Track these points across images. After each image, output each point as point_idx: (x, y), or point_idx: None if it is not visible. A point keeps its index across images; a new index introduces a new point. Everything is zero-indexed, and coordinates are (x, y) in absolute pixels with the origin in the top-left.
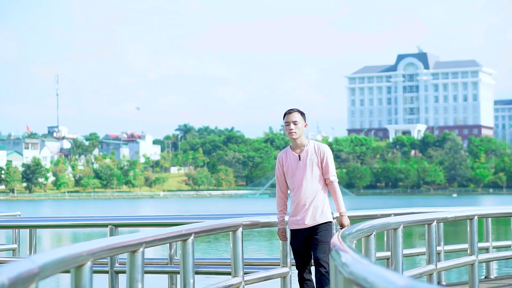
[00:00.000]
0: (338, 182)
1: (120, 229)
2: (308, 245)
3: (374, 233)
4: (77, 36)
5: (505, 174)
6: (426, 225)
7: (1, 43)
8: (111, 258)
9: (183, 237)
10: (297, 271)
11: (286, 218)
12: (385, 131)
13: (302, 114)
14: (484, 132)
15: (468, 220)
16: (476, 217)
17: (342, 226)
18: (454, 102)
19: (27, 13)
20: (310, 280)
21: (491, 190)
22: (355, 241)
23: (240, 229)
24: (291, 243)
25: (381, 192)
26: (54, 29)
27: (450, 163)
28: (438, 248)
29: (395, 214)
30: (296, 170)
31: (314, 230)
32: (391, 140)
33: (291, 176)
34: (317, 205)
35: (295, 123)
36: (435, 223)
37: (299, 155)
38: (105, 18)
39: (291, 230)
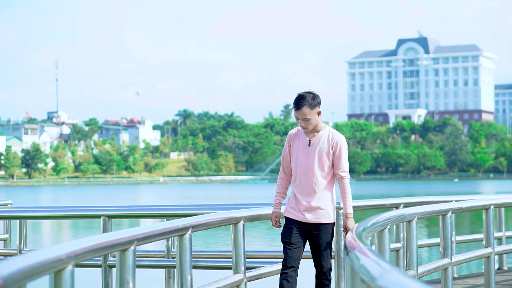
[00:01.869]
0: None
1: (114, 220)
2: (302, 240)
3: (388, 226)
4: (78, 22)
5: (505, 159)
6: (440, 216)
7: (1, 29)
8: None
9: (180, 232)
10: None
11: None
12: (385, 116)
13: (312, 103)
14: (485, 117)
15: (483, 210)
16: (492, 206)
17: (345, 229)
18: (455, 87)
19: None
20: (294, 280)
21: (491, 175)
22: (370, 238)
23: (242, 222)
24: (283, 233)
25: (381, 178)
26: (55, 15)
27: (451, 148)
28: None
29: (405, 204)
30: (302, 156)
31: (314, 229)
32: (391, 125)
33: (296, 161)
34: (322, 201)
35: (305, 120)
36: (450, 213)
37: (310, 140)
38: (106, 5)
39: (287, 218)
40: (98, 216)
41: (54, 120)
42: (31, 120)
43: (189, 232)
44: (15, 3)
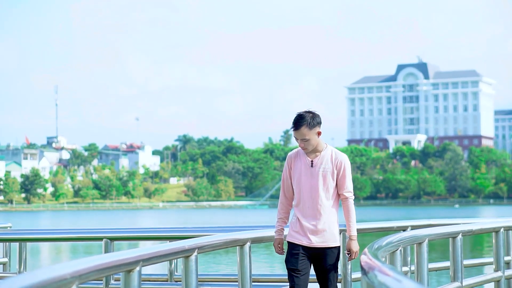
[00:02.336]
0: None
1: (116, 242)
2: (308, 266)
3: (400, 248)
4: (77, 46)
5: (505, 184)
6: (450, 239)
7: (0, 53)
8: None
9: (186, 253)
10: None
11: (286, 230)
12: (385, 142)
13: (311, 123)
14: (485, 142)
15: (493, 233)
16: (502, 229)
17: (349, 251)
18: (454, 112)
19: (27, 23)
20: None
21: (491, 200)
22: (383, 259)
23: (248, 243)
24: (287, 260)
25: (382, 203)
26: (54, 39)
27: (451, 174)
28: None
29: (412, 226)
30: (305, 177)
31: (320, 253)
32: (391, 150)
33: (298, 183)
34: (328, 223)
35: (304, 140)
36: (460, 236)
37: (312, 161)
38: (105, 29)
39: (290, 243)
40: (100, 238)
41: (53, 145)
42: (31, 145)
43: (195, 253)
44: (14, 28)
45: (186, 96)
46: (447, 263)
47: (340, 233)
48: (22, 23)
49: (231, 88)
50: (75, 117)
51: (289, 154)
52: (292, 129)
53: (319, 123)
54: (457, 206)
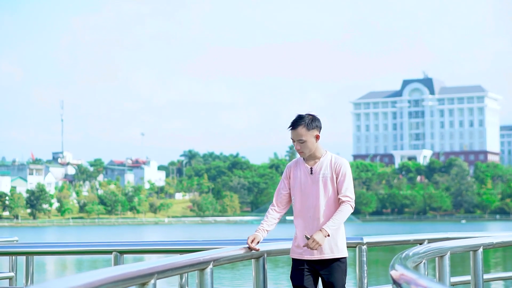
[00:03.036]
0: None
1: (126, 256)
2: (315, 282)
3: (423, 261)
4: (82, 61)
5: (511, 200)
6: (471, 252)
7: (5, 68)
8: None
9: (201, 266)
10: None
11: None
12: (391, 157)
13: (310, 125)
14: (490, 158)
15: None
16: None
17: (308, 239)
18: (460, 128)
19: (31, 38)
20: None
21: (497, 216)
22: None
23: (265, 256)
24: (292, 277)
25: (387, 218)
26: (59, 54)
27: (457, 189)
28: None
29: (429, 240)
30: (306, 186)
31: (326, 266)
32: (396, 165)
33: (298, 191)
34: (335, 236)
35: (300, 141)
36: (481, 249)
37: (311, 168)
38: (109, 43)
39: (293, 260)
40: (110, 252)
41: (59, 160)
42: (36, 161)
43: (211, 266)
44: (18, 44)
45: (192, 110)
46: (467, 277)
47: (348, 247)
48: (26, 39)
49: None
50: (81, 132)
51: (288, 164)
52: (290, 129)
53: (318, 127)
54: (463, 221)
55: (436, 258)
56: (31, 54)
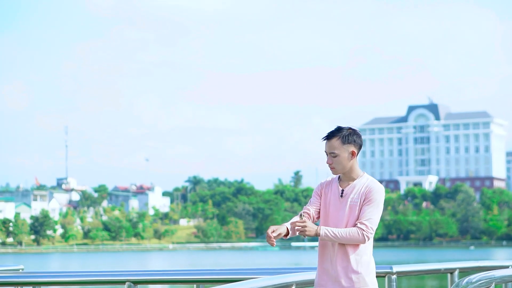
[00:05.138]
0: None
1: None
2: None
3: (492, 285)
4: (86, 87)
5: None
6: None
7: (9, 94)
8: None
9: None
10: None
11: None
12: (396, 183)
13: (346, 138)
14: (496, 184)
15: None
16: None
17: (303, 223)
18: (466, 154)
19: (36, 64)
20: None
21: (504, 242)
22: None
23: (294, 287)
24: None
25: (393, 245)
26: (63, 80)
27: (463, 215)
28: None
29: (460, 269)
30: (334, 209)
31: None
32: (402, 191)
33: (324, 215)
34: (355, 266)
35: (332, 154)
36: None
37: (342, 190)
38: (113, 70)
39: None
40: (123, 282)
41: (63, 186)
42: (40, 187)
43: None
44: (22, 70)
45: (196, 136)
46: None
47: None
48: (31, 65)
49: (241, 128)
50: (85, 158)
51: (322, 180)
52: (324, 139)
53: (357, 143)
54: (472, 248)
55: (510, 284)
56: (36, 80)
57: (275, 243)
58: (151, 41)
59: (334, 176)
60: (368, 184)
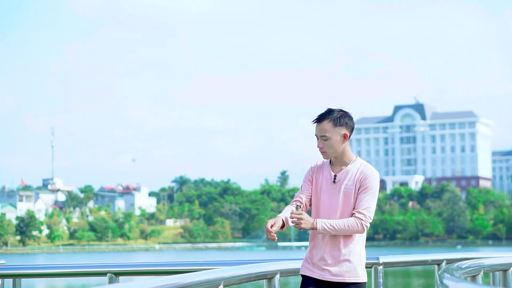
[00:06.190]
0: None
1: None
2: None
3: (480, 274)
4: (72, 88)
5: (504, 225)
6: (500, 272)
7: None
8: None
9: (211, 284)
10: None
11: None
12: (383, 183)
13: (338, 120)
14: (482, 183)
15: None
16: None
17: (300, 215)
18: (452, 153)
19: (22, 65)
20: None
21: (490, 241)
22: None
23: (278, 276)
24: None
25: (379, 244)
26: (49, 81)
27: (449, 215)
28: None
29: (447, 260)
30: (326, 195)
31: None
32: (388, 191)
33: (316, 202)
34: (348, 254)
35: (323, 138)
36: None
37: (335, 175)
38: (100, 70)
39: (303, 277)
40: (104, 273)
41: (49, 187)
42: (26, 187)
43: (221, 286)
44: (8, 70)
45: (183, 137)
46: None
47: (365, 269)
48: (17, 66)
49: (228, 129)
50: (71, 159)
51: (312, 165)
52: (314, 123)
53: (349, 126)
54: (459, 247)
55: (498, 273)
56: (22, 81)
57: (276, 237)
58: (138, 41)
59: (325, 160)
60: (362, 170)
